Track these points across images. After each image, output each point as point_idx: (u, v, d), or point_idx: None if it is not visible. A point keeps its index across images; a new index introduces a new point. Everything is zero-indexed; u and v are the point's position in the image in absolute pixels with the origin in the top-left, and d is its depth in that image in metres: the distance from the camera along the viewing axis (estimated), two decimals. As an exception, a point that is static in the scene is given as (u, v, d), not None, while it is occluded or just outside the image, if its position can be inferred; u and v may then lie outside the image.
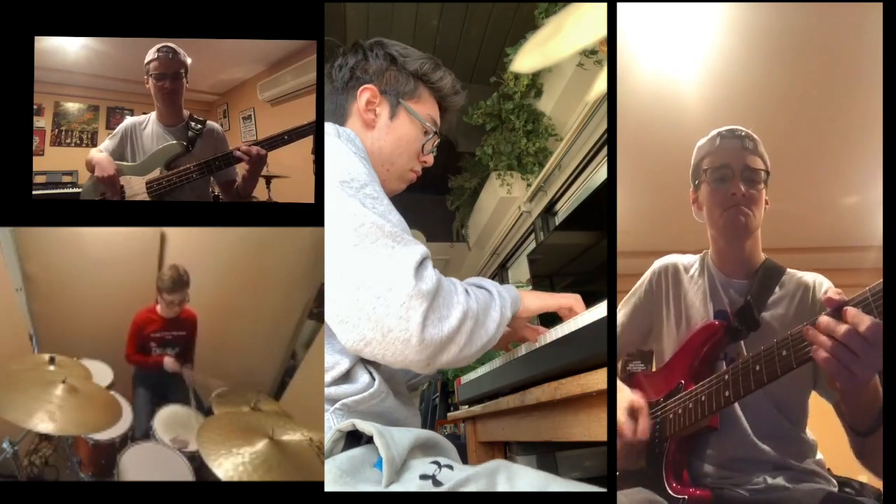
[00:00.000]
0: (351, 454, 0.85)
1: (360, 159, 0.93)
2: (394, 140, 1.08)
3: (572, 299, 1.06)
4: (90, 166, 1.37)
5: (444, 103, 1.15)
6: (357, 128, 1.07)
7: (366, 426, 0.85)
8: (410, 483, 0.80)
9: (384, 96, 1.08)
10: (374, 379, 0.94)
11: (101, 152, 1.39)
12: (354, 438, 0.88)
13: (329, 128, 0.98)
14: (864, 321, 0.77)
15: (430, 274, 0.83)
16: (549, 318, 1.21)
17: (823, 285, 1.07)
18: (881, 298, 0.78)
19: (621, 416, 1.01)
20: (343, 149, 0.93)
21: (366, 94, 1.07)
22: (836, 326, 0.79)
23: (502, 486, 0.79)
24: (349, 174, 0.88)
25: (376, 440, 0.82)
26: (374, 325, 0.80)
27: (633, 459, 1.03)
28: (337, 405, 0.92)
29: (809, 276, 1.08)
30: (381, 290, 0.80)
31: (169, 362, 1.53)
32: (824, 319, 0.80)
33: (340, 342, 0.86)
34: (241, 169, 1.39)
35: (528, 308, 1.04)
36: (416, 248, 0.84)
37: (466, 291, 0.88)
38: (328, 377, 0.94)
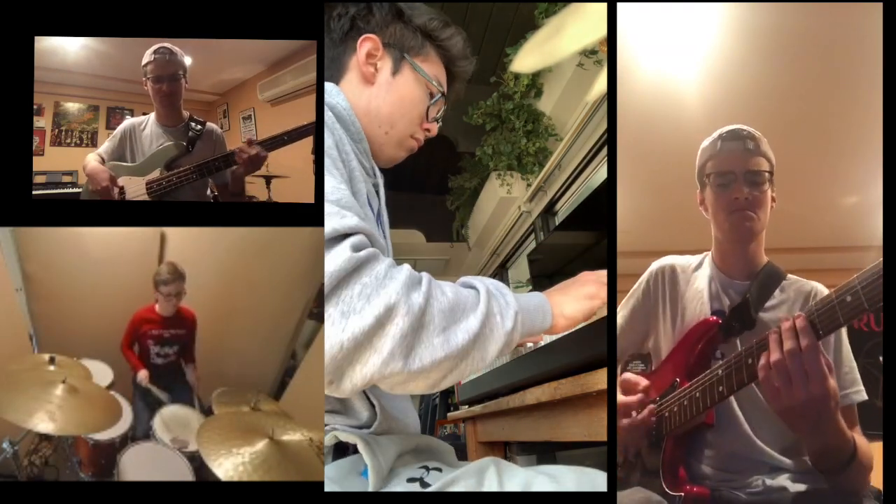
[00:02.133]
0: (338, 464, 0.84)
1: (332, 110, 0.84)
2: (395, 99, 0.95)
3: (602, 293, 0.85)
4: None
5: (452, 68, 1.03)
6: (353, 83, 0.96)
7: (349, 437, 0.84)
8: (397, 487, 0.79)
9: (387, 49, 0.96)
10: (375, 415, 0.88)
11: (97, 157, 1.39)
12: (342, 449, 0.87)
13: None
14: (804, 342, 0.81)
15: (340, 255, 0.62)
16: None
17: (822, 295, 1.07)
18: (870, 286, 0.77)
19: (621, 396, 1.01)
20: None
21: (367, 44, 0.95)
22: (787, 341, 0.81)
23: (490, 483, 0.77)
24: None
25: (361, 449, 0.81)
26: None
27: (636, 437, 1.01)
28: (327, 428, 0.89)
29: (810, 285, 1.09)
30: None
31: (142, 376, 1.51)
32: (785, 326, 0.83)
33: None
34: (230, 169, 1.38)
35: (568, 317, 0.80)
36: (334, 221, 0.64)
37: (416, 283, 0.65)
38: None
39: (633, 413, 1.00)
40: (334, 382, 0.63)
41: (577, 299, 0.84)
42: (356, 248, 0.64)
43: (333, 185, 0.72)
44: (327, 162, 0.76)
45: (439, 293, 0.67)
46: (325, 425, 0.90)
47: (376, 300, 0.61)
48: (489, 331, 0.68)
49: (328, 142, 0.79)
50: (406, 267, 0.67)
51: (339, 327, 0.60)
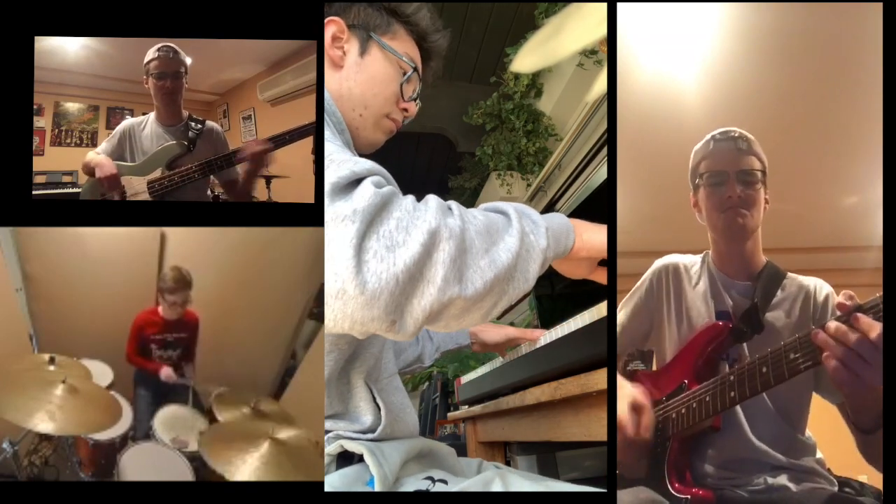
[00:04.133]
0: (343, 473, 0.84)
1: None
2: (366, 79, 0.93)
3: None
4: (88, 169, 1.37)
5: (424, 44, 1.00)
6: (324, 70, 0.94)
7: (355, 446, 0.84)
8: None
9: (352, 31, 0.94)
10: (380, 420, 0.88)
11: (98, 154, 1.39)
12: (347, 458, 0.87)
13: None
14: (875, 328, 0.77)
15: (366, 192, 0.59)
16: (549, 319, 1.21)
17: (824, 289, 1.08)
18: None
19: (623, 412, 1.00)
20: None
21: (331, 27, 0.92)
22: (848, 333, 0.78)
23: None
24: None
25: (367, 459, 0.81)
26: None
27: (634, 458, 1.02)
28: (330, 435, 0.89)
29: (810, 281, 1.09)
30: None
31: (166, 373, 1.51)
32: (835, 325, 0.79)
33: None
34: (241, 167, 1.39)
35: (586, 241, 0.79)
36: (348, 165, 0.62)
37: (448, 209, 0.65)
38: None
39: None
40: (397, 322, 0.59)
41: (598, 230, 0.83)
42: (378, 186, 0.62)
43: (336, 147, 0.71)
44: (328, 134, 0.76)
45: (471, 216, 0.67)
46: (328, 431, 0.90)
47: (416, 230, 0.59)
48: (526, 251, 0.68)
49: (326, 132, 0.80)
50: (433, 196, 0.66)
51: (388, 262, 0.57)
